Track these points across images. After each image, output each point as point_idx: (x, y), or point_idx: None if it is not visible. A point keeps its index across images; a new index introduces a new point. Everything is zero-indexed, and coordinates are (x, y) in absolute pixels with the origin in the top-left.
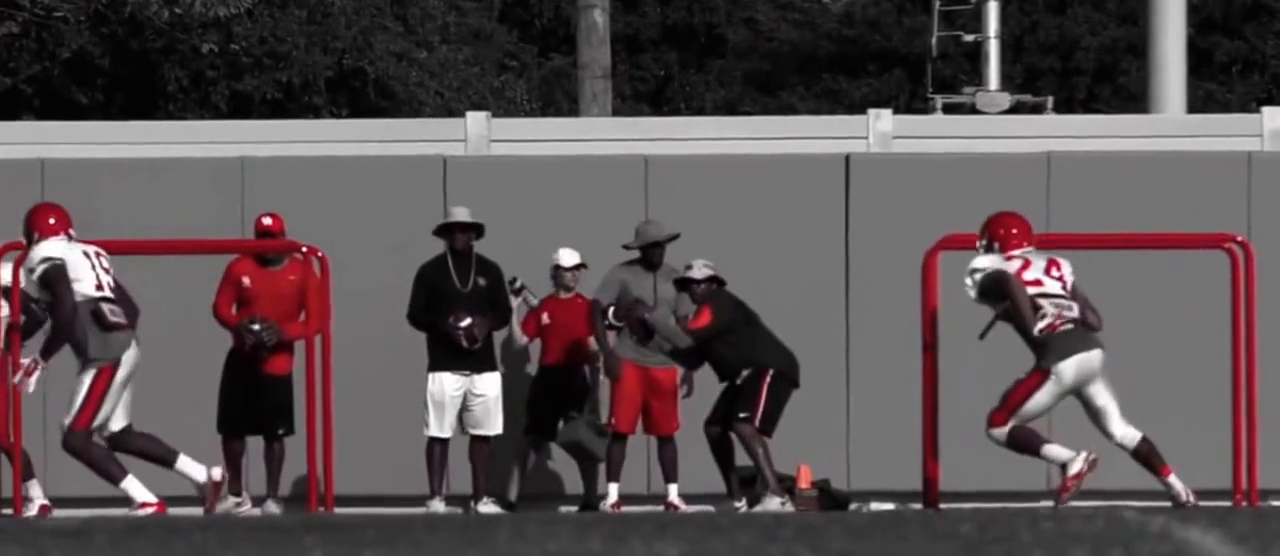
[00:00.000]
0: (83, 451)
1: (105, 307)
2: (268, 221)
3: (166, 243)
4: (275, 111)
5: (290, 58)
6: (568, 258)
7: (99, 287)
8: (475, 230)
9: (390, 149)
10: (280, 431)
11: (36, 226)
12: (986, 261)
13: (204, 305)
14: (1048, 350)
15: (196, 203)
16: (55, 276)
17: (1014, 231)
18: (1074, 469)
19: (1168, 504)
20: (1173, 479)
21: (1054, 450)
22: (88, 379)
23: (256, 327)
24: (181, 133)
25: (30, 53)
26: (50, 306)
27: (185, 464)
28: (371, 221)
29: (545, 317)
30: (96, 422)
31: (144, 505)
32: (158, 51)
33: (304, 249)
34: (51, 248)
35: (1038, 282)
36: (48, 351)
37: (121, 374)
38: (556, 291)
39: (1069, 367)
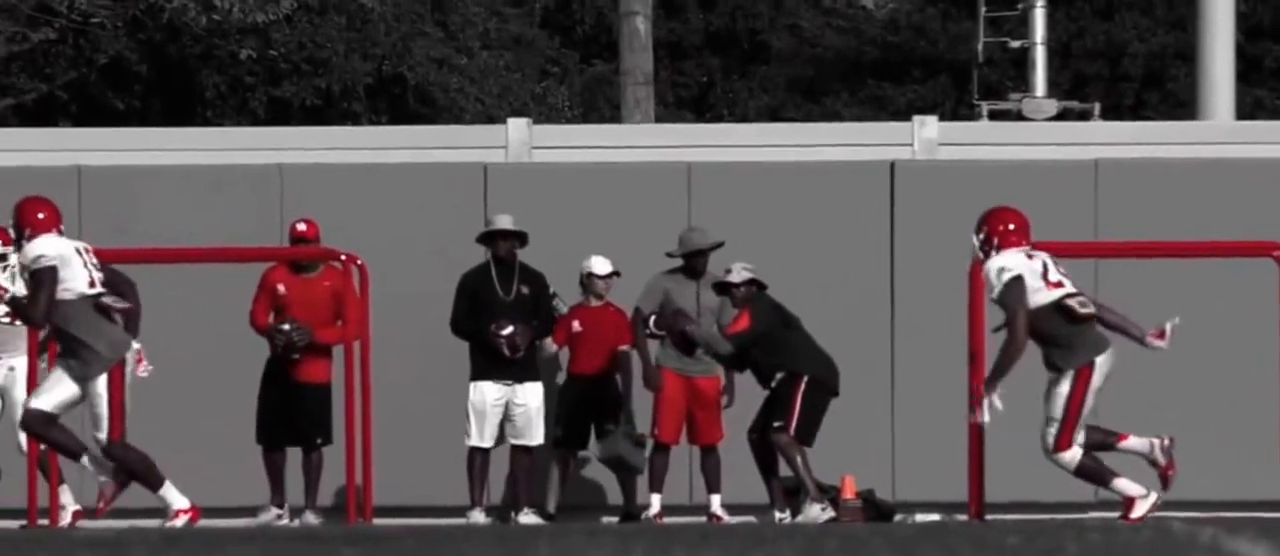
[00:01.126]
0: (126, 458)
1: (107, 300)
2: (302, 227)
3: (203, 251)
4: (314, 118)
5: (329, 64)
6: (601, 265)
7: (92, 284)
8: (519, 238)
9: (430, 156)
10: (318, 441)
11: (27, 222)
12: (1013, 261)
13: (243, 314)
14: (1082, 347)
15: (234, 210)
16: (47, 278)
17: (1012, 228)
18: (1140, 510)
19: (1214, 514)
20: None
21: (1123, 484)
22: (102, 386)
23: (286, 328)
24: (219, 139)
25: (67, 59)
26: (24, 301)
27: (88, 461)
28: (411, 229)
29: (576, 325)
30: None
31: (179, 512)
32: (195, 57)
33: (343, 257)
34: (47, 245)
35: (1061, 283)
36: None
37: (129, 369)
38: (588, 299)
39: (1104, 363)
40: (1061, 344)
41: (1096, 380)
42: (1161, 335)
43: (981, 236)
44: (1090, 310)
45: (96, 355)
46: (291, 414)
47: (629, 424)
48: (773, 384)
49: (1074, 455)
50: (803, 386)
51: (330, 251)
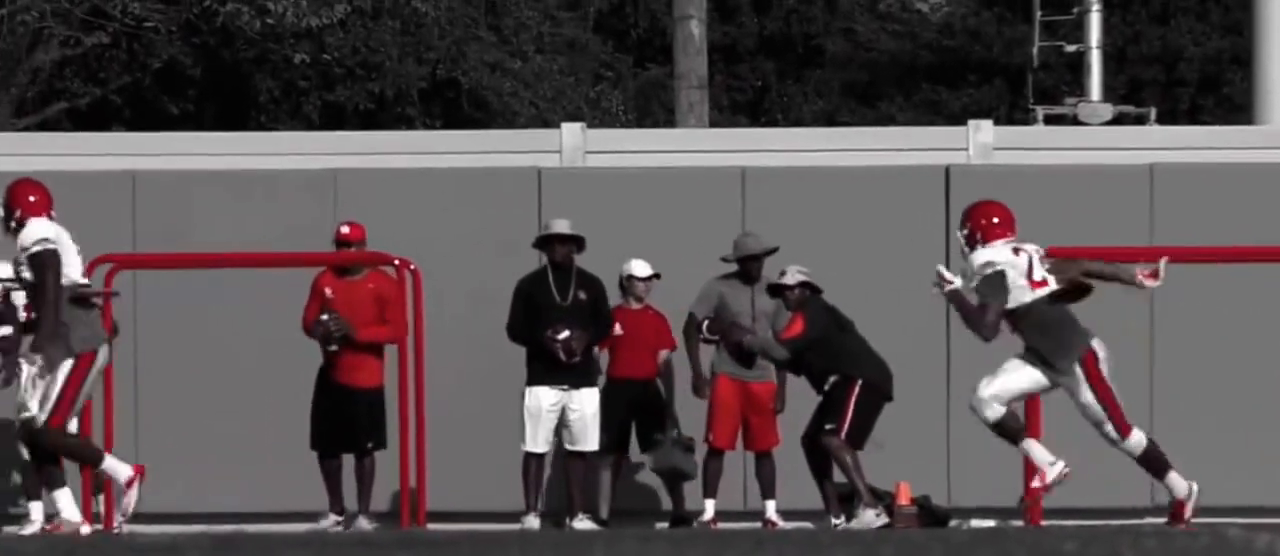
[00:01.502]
0: (61, 444)
1: (86, 291)
2: (346, 230)
3: (256, 256)
4: (368, 122)
5: (383, 68)
6: (640, 268)
7: (81, 274)
8: (576, 243)
9: (484, 160)
10: (369, 445)
11: (18, 203)
12: (998, 255)
13: (297, 319)
14: (1073, 338)
15: (289, 215)
16: (50, 260)
17: (996, 221)
18: (1190, 507)
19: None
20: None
21: (1175, 479)
22: (66, 368)
23: (325, 318)
24: (273, 144)
25: (121, 63)
26: (32, 290)
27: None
28: (465, 233)
29: (616, 328)
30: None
31: (128, 482)
32: (249, 62)
33: (396, 262)
34: (43, 228)
35: (1044, 282)
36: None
37: (99, 361)
38: (628, 301)
39: (1099, 346)
40: (1052, 337)
41: (1105, 363)
42: (1154, 274)
43: (966, 231)
44: (1070, 279)
45: (66, 344)
46: (343, 419)
47: (676, 429)
48: (826, 387)
49: (1139, 439)
50: (856, 390)
51: (383, 256)
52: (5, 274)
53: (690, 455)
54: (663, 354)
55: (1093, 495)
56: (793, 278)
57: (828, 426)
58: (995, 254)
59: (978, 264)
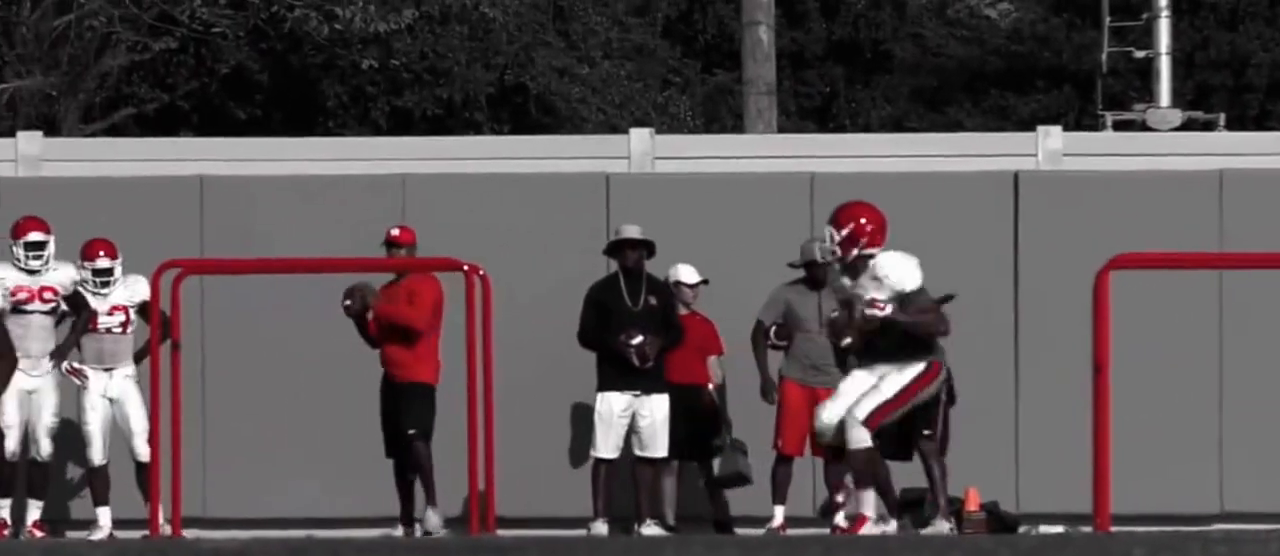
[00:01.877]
0: None
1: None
2: (395, 233)
3: (323, 261)
4: (435, 128)
5: (451, 73)
6: (688, 273)
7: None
8: (647, 248)
9: (552, 166)
10: (411, 432)
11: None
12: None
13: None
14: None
15: (356, 220)
16: None
17: (881, 224)
18: (865, 529)
19: None
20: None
21: (869, 497)
22: None
23: (350, 287)
24: (341, 149)
25: (189, 69)
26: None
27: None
28: (533, 239)
29: None
30: None
31: None
32: (317, 67)
33: (464, 267)
34: None
35: None
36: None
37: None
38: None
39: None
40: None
41: (933, 388)
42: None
43: (846, 234)
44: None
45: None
46: (393, 415)
47: (730, 434)
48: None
49: (866, 438)
50: (944, 397)
51: (452, 261)
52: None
53: (747, 458)
54: (712, 359)
55: (1163, 501)
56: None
57: (926, 432)
58: (901, 257)
59: (894, 271)
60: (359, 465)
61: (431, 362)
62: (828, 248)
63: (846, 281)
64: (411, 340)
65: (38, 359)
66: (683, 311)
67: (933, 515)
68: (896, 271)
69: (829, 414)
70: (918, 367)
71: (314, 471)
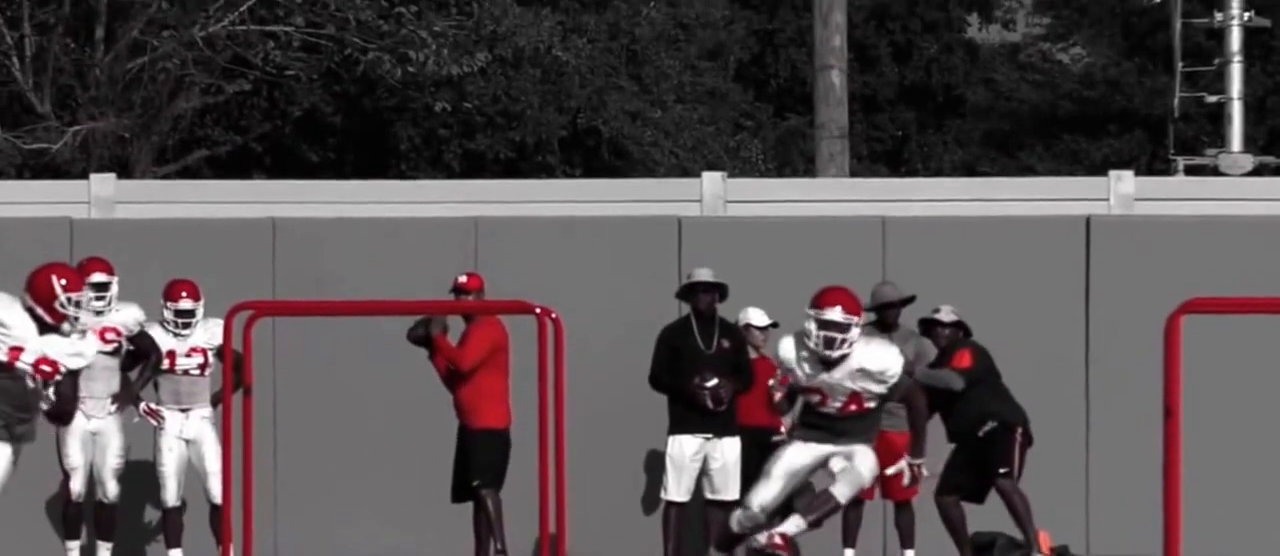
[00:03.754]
0: None
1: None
2: (463, 279)
3: (394, 303)
4: (508, 171)
5: (524, 116)
6: (758, 317)
7: None
8: (719, 291)
9: (624, 209)
10: (475, 483)
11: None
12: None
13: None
14: None
15: (429, 263)
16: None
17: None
18: None
19: None
20: None
21: None
22: None
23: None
24: (414, 192)
25: (261, 111)
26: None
27: None
28: (605, 282)
29: None
30: None
31: None
32: (390, 110)
33: (537, 310)
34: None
35: None
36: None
37: None
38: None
39: None
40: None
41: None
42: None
43: (860, 320)
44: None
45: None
46: (464, 464)
47: None
48: (982, 433)
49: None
50: (1018, 437)
51: (524, 304)
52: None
53: None
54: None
55: (1235, 544)
56: (947, 315)
57: (1002, 470)
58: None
59: (897, 361)
60: (430, 507)
61: (500, 407)
62: (825, 338)
63: (825, 376)
64: (475, 383)
65: (101, 400)
66: (753, 354)
67: (1024, 550)
68: (884, 361)
69: (759, 500)
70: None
71: (385, 514)
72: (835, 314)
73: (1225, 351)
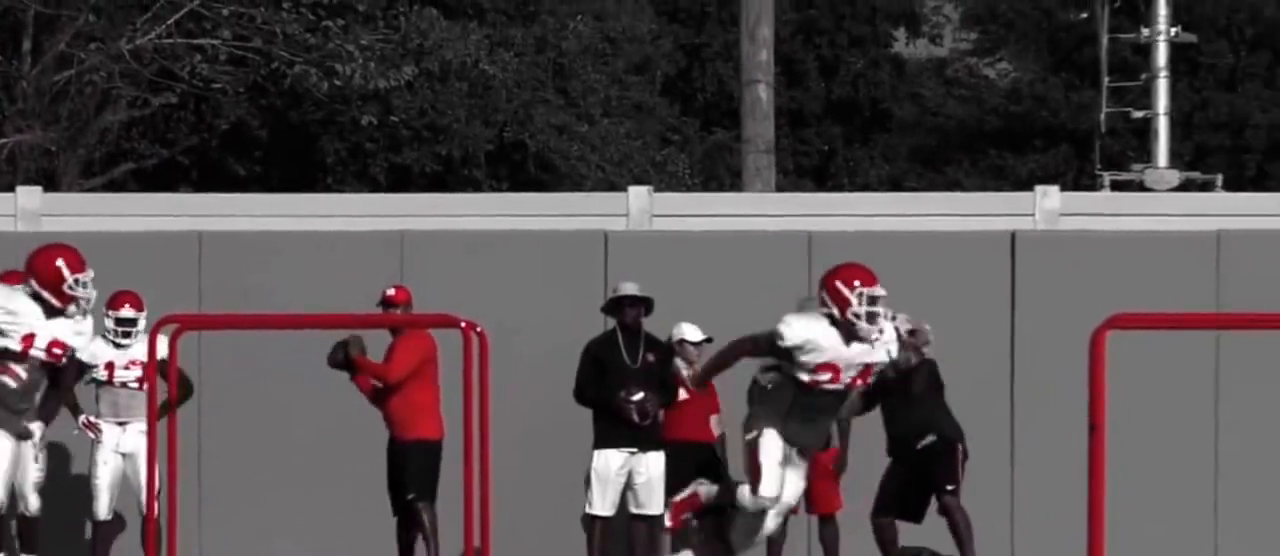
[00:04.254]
0: None
1: None
2: (391, 292)
3: (319, 317)
4: (435, 185)
5: (450, 130)
6: (693, 332)
7: None
8: (645, 305)
9: (551, 223)
10: (410, 497)
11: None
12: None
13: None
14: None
15: (356, 276)
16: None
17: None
18: None
19: None
20: None
21: None
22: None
23: (340, 340)
24: (340, 206)
25: (188, 124)
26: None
27: None
28: (531, 296)
29: (681, 393)
30: None
31: None
32: (316, 123)
33: (462, 324)
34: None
35: None
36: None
37: None
38: (681, 366)
39: None
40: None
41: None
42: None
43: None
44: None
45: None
46: (397, 476)
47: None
48: (920, 446)
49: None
50: (959, 454)
51: (449, 318)
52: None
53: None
54: (713, 418)
55: None
56: (904, 324)
57: (949, 487)
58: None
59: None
60: (357, 521)
61: (431, 418)
62: (870, 314)
63: (846, 351)
64: (405, 395)
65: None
66: (686, 370)
67: None
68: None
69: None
70: None
71: (311, 527)
72: (880, 290)
73: (1150, 366)
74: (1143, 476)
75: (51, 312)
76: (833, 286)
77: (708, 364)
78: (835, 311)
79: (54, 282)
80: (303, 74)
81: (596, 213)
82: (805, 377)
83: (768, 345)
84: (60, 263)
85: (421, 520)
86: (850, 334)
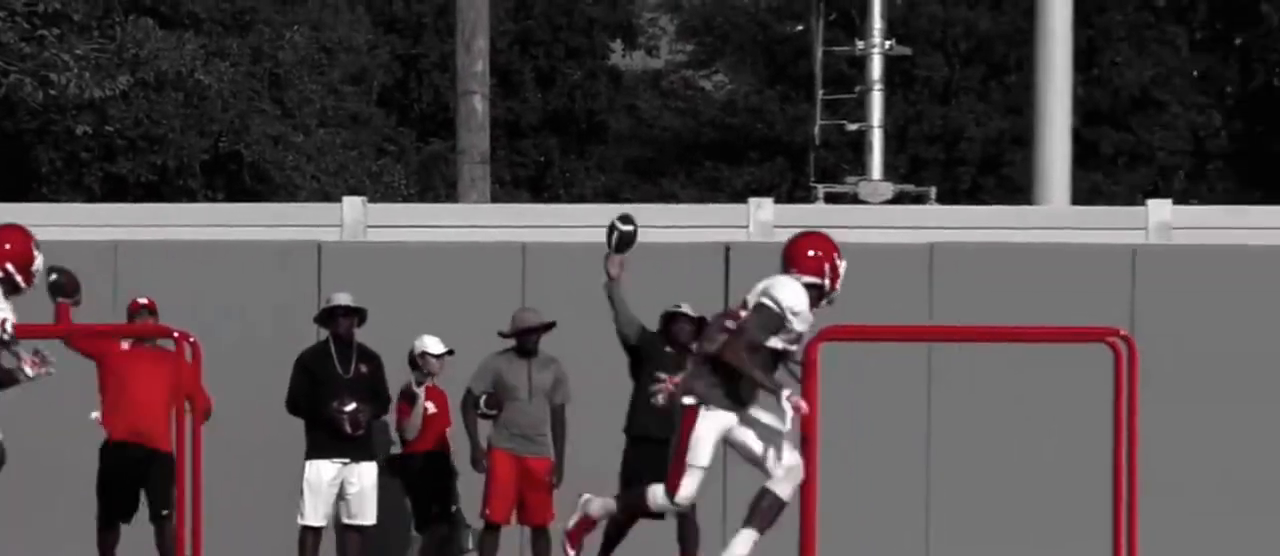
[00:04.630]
0: None
1: None
2: (143, 300)
3: (33, 327)
4: (150, 194)
5: (165, 140)
6: (434, 345)
7: None
8: (358, 315)
9: (265, 233)
10: (165, 513)
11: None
12: None
13: (79, 390)
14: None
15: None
16: None
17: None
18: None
19: None
20: None
21: None
22: None
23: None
24: (54, 215)
25: None
26: None
27: None
28: (245, 306)
29: (431, 406)
30: None
31: None
32: (31, 133)
33: (175, 333)
34: None
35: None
36: None
37: None
38: (423, 379)
39: None
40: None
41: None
42: None
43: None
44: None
45: None
46: (138, 484)
47: (456, 504)
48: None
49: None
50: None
51: (163, 328)
52: None
53: (467, 528)
54: (448, 430)
55: None
56: (691, 310)
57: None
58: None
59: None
60: (68, 537)
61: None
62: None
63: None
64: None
65: None
66: (429, 381)
67: None
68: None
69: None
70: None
71: (32, 537)
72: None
73: (863, 378)
74: (855, 483)
75: (10, 291)
76: (831, 259)
77: (755, 374)
78: (827, 283)
79: (26, 262)
80: (17, 83)
81: (311, 223)
82: (779, 345)
83: (779, 322)
84: (31, 242)
85: (172, 535)
86: (816, 301)
